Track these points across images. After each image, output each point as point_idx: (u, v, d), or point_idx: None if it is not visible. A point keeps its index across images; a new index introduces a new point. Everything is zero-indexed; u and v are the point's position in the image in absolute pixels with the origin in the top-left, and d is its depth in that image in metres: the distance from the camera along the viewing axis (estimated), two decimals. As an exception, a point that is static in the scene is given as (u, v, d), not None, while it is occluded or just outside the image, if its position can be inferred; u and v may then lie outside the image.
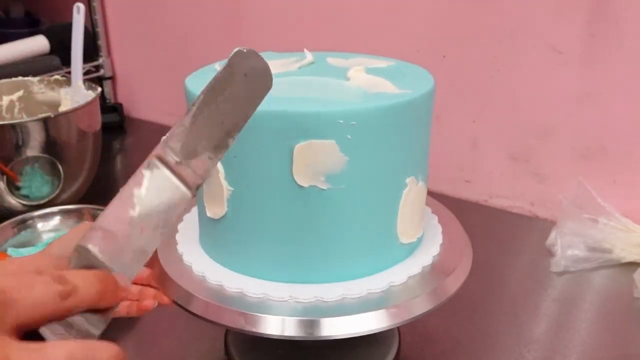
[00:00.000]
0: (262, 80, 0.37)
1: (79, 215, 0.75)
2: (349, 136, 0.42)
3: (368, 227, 0.46)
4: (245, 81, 0.37)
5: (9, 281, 0.29)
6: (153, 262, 0.50)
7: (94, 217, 0.75)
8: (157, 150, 0.35)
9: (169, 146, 0.35)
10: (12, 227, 0.72)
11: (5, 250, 0.69)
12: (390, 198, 0.46)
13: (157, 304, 0.47)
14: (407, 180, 0.46)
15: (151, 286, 0.50)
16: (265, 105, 0.38)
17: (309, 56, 0.52)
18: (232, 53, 0.37)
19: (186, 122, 0.35)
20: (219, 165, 0.43)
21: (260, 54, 0.40)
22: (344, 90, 0.46)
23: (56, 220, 0.75)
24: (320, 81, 0.48)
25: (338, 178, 0.42)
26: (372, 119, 0.42)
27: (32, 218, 0.74)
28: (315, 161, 0.42)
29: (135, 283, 0.51)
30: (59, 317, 0.30)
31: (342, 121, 0.41)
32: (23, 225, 0.74)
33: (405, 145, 0.45)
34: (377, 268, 0.47)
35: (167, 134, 0.35)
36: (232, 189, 0.44)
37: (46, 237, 0.74)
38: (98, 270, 0.33)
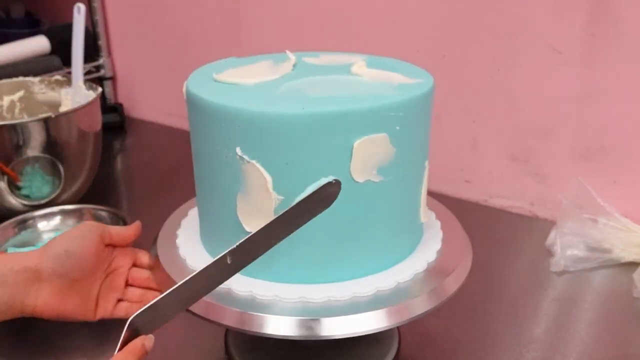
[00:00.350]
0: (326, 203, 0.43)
1: (79, 215, 0.75)
2: (397, 127, 0.43)
3: (403, 211, 0.48)
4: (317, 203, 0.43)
5: None
6: (154, 264, 0.50)
7: (94, 217, 0.75)
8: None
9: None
10: (12, 227, 0.72)
11: (6, 250, 0.69)
12: (418, 182, 0.49)
13: None
14: (426, 163, 0.50)
15: (152, 289, 0.50)
16: (320, 106, 0.41)
17: (291, 57, 0.52)
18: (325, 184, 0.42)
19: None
20: (266, 175, 0.42)
21: (223, 60, 0.43)
22: (369, 85, 0.47)
23: (56, 220, 0.75)
24: (337, 79, 0.48)
25: (387, 170, 0.44)
26: (413, 109, 0.45)
27: (33, 218, 0.74)
28: (371, 156, 0.43)
29: (135, 285, 0.51)
30: None
31: (393, 114, 0.43)
32: (23, 225, 0.74)
33: (427, 129, 0.49)
34: (383, 266, 0.47)
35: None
36: (281, 197, 0.43)
37: (46, 236, 0.74)
38: None
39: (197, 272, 0.41)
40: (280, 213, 0.42)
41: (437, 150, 0.88)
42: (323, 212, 0.43)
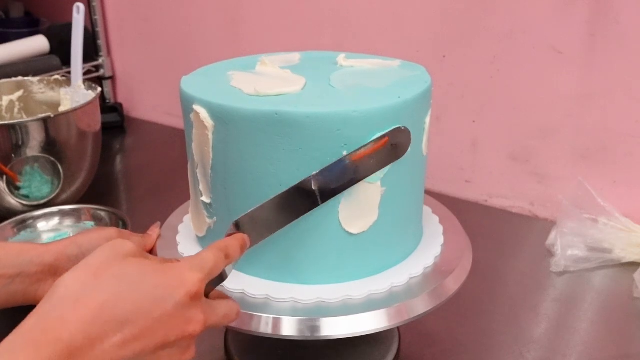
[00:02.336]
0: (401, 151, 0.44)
1: (78, 216, 0.75)
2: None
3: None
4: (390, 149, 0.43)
5: None
6: None
7: (93, 217, 0.74)
8: None
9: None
10: (12, 227, 0.72)
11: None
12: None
13: None
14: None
15: None
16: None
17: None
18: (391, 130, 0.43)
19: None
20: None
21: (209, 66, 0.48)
22: (383, 73, 0.49)
23: (56, 220, 0.75)
24: (352, 71, 0.51)
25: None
26: (426, 97, 0.47)
27: (32, 218, 0.74)
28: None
29: None
30: None
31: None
32: (23, 225, 0.73)
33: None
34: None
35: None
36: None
37: (46, 237, 0.73)
38: None
39: (291, 186, 0.42)
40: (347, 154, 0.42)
41: (437, 150, 0.89)
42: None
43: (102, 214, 0.74)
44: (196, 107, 0.44)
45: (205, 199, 0.47)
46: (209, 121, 0.44)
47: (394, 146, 0.43)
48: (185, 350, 0.36)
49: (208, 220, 0.48)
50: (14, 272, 0.45)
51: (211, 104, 0.44)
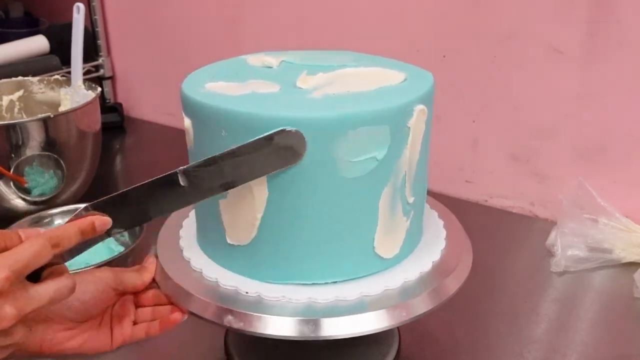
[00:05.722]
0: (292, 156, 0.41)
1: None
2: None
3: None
4: (277, 152, 0.41)
5: None
6: (157, 274, 0.49)
7: None
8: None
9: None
10: (28, 224, 0.73)
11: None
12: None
13: (186, 316, 0.46)
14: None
15: (161, 304, 0.49)
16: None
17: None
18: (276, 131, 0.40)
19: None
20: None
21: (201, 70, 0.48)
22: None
23: (57, 220, 0.75)
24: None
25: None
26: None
27: (49, 216, 0.74)
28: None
29: (142, 305, 0.49)
30: None
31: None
32: (39, 224, 0.74)
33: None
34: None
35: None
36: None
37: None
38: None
39: (151, 180, 0.42)
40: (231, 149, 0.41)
41: (437, 150, 0.88)
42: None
43: None
44: None
45: None
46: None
47: (282, 148, 0.40)
48: (5, 338, 0.37)
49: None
50: None
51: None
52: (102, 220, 0.43)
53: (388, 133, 0.43)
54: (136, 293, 0.49)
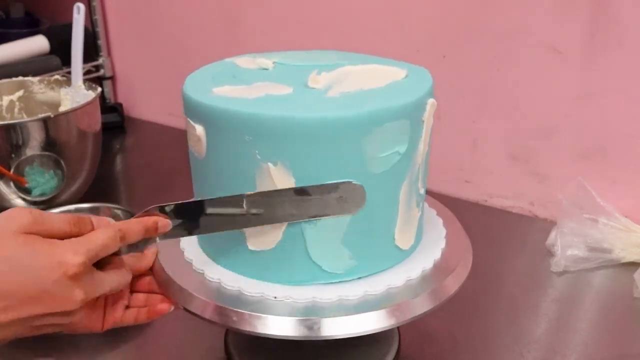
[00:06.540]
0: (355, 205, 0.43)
1: (97, 214, 0.75)
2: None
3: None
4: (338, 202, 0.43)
5: None
6: (154, 266, 0.50)
7: (113, 216, 0.74)
8: None
9: None
10: None
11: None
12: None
13: (172, 308, 0.47)
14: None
15: (155, 292, 0.49)
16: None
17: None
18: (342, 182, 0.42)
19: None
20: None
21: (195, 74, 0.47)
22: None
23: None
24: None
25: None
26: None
27: None
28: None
29: (137, 291, 0.50)
30: None
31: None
32: None
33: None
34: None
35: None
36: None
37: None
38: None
39: (214, 198, 0.43)
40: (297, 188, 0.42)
41: (437, 150, 0.88)
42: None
43: (118, 212, 0.74)
44: None
45: None
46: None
47: (341, 199, 0.42)
48: (67, 317, 0.40)
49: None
50: None
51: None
52: (165, 222, 0.45)
53: (408, 127, 0.44)
54: (132, 278, 0.49)
